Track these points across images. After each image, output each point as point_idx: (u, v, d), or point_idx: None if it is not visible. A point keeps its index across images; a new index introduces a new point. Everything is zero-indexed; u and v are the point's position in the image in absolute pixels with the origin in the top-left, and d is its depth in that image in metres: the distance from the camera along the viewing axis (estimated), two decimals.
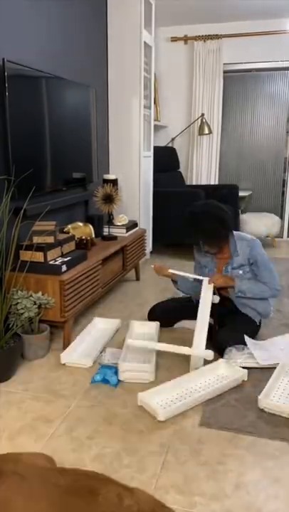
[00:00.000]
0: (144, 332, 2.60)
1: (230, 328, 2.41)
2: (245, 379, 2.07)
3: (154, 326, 2.60)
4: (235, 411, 1.88)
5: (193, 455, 1.62)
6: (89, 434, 1.73)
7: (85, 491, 1.01)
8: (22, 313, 2.23)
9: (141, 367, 2.11)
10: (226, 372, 2.14)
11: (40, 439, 1.70)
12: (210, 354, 2.11)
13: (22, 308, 2.22)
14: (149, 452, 1.64)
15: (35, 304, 2.28)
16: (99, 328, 2.68)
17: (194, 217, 2.37)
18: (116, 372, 2.11)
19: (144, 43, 3.76)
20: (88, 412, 1.88)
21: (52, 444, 1.68)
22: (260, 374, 2.16)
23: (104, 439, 1.71)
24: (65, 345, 2.43)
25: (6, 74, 2.30)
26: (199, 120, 5.00)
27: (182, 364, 2.27)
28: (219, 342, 2.33)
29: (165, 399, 1.94)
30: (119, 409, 1.90)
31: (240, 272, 2.45)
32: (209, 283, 2.38)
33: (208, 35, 4.89)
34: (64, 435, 1.73)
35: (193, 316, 2.47)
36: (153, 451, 1.64)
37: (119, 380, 2.09)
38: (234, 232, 2.46)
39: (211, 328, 2.39)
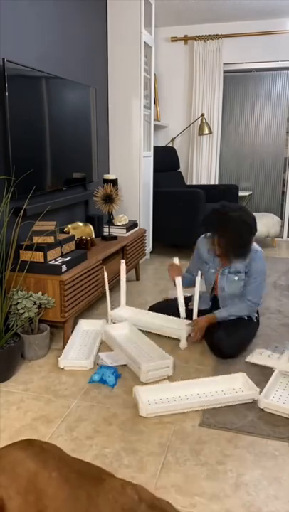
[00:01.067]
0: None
1: (229, 332, 2.36)
2: (256, 398, 1.92)
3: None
4: (235, 411, 1.88)
5: (193, 455, 1.62)
6: (89, 434, 1.74)
7: (93, 476, 1.11)
8: (22, 313, 2.23)
9: (162, 364, 2.13)
10: (242, 386, 2.04)
11: (40, 439, 1.70)
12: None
13: (22, 308, 2.22)
14: (149, 452, 1.64)
15: (35, 304, 2.28)
16: (85, 329, 2.65)
17: (231, 219, 2.28)
18: (114, 373, 2.11)
19: (144, 43, 3.76)
20: (88, 412, 1.88)
21: None
22: (260, 374, 2.16)
23: (104, 439, 1.71)
24: (65, 346, 2.43)
25: (6, 74, 2.30)
26: (199, 120, 5.00)
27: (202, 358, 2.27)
28: (219, 348, 2.32)
29: (160, 397, 1.93)
30: (119, 409, 1.90)
31: (236, 278, 2.45)
32: (195, 333, 2.45)
33: (208, 35, 4.90)
34: (64, 435, 1.73)
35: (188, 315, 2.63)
36: (153, 451, 1.64)
37: (116, 381, 2.09)
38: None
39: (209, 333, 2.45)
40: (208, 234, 2.48)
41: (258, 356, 2.28)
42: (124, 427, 1.78)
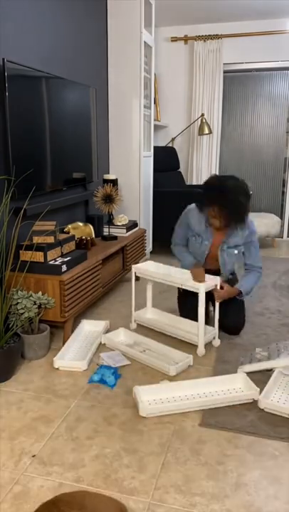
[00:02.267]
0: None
1: (236, 311, 2.59)
2: (256, 398, 1.92)
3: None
4: (235, 411, 1.87)
5: (193, 455, 1.62)
6: (89, 434, 1.73)
7: None
8: (22, 313, 2.23)
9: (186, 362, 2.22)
10: (242, 386, 2.03)
11: (40, 439, 1.70)
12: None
13: (22, 309, 2.22)
14: (149, 452, 1.64)
15: (35, 304, 2.28)
16: (87, 330, 2.64)
17: (229, 189, 2.32)
18: (114, 373, 2.11)
19: (144, 42, 3.76)
20: (88, 412, 1.88)
21: (52, 444, 1.68)
22: (260, 374, 2.16)
23: (104, 439, 1.71)
24: (64, 345, 2.43)
25: (6, 74, 2.30)
26: (199, 120, 5.00)
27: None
28: (229, 326, 2.58)
29: (160, 397, 1.93)
30: (119, 409, 1.90)
31: (235, 251, 2.53)
32: (217, 301, 2.45)
33: (209, 35, 4.90)
34: (64, 435, 1.73)
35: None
36: (153, 451, 1.64)
37: (116, 382, 2.08)
38: None
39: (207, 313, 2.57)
40: (205, 208, 2.45)
41: (248, 366, 2.20)
42: (124, 427, 1.78)
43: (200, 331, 2.35)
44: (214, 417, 1.83)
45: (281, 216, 5.36)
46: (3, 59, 2.29)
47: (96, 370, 2.15)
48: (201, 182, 5.19)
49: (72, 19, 3.15)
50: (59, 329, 2.65)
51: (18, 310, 2.23)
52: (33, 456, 1.61)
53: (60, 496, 1.26)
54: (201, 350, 2.37)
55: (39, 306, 2.33)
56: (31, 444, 1.68)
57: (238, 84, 5.20)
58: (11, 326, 2.26)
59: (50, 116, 2.77)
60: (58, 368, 2.22)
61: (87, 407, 1.91)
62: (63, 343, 2.44)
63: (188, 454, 1.63)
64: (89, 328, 2.65)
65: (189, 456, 1.61)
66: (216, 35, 4.88)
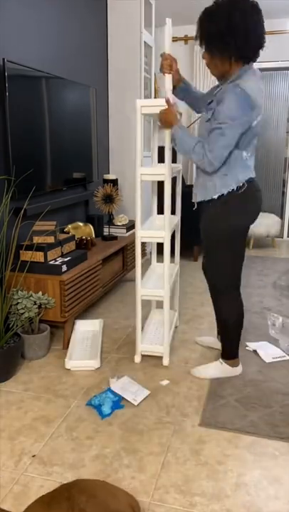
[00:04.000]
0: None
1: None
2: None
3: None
4: (235, 411, 1.87)
5: (193, 455, 1.62)
6: (89, 434, 1.73)
7: None
8: (22, 313, 2.23)
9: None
10: None
11: (41, 439, 1.70)
12: None
13: (22, 308, 2.22)
14: (149, 452, 1.64)
15: (35, 304, 2.28)
16: (84, 330, 2.62)
17: (210, 10, 1.90)
18: (115, 403, 1.91)
19: (145, 43, 3.76)
20: (88, 411, 1.88)
21: (52, 444, 1.68)
22: (260, 374, 2.16)
23: (104, 439, 1.71)
24: (65, 345, 2.43)
25: (6, 74, 2.30)
26: (199, 120, 5.00)
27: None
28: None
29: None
30: (118, 409, 1.90)
31: (205, 113, 2.00)
32: (160, 123, 2.05)
33: None
34: (64, 435, 1.73)
35: None
36: (153, 451, 1.64)
37: (111, 412, 1.87)
38: (246, 71, 1.84)
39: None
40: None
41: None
42: (124, 427, 1.78)
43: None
44: (214, 417, 1.83)
45: (281, 216, 5.36)
46: (4, 59, 2.29)
47: (100, 393, 1.98)
48: None
49: (72, 19, 3.14)
50: (59, 329, 2.65)
51: (18, 310, 2.23)
52: (33, 456, 1.62)
53: (78, 480, 1.27)
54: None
55: (39, 306, 2.33)
56: (31, 444, 1.68)
57: None
58: (11, 326, 2.26)
59: (50, 116, 2.77)
60: (69, 369, 2.22)
61: (88, 407, 1.91)
62: (63, 343, 2.44)
63: (188, 454, 1.63)
64: (85, 328, 2.65)
65: (189, 456, 1.61)
66: None
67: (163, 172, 2.18)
